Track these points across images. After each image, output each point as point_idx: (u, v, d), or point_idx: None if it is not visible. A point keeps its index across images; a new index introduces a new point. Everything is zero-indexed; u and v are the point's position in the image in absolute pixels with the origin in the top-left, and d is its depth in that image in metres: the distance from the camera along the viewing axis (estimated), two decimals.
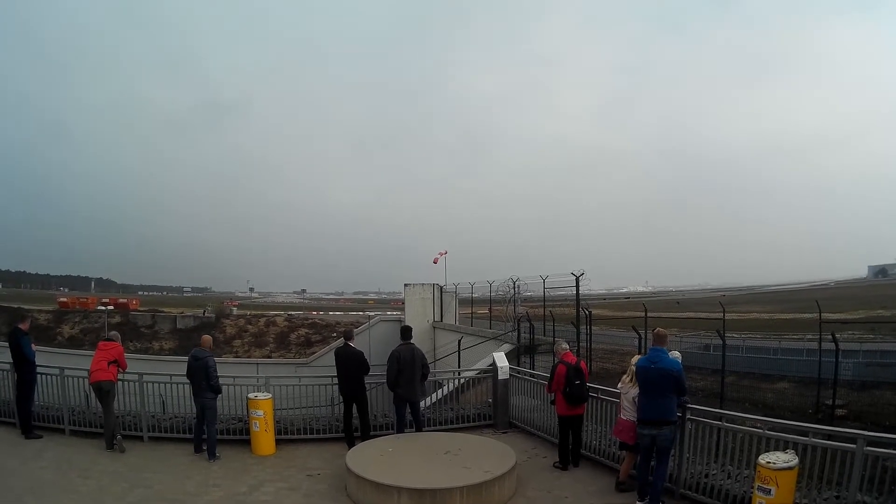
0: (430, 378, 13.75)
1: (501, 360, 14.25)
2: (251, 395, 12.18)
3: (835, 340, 20.88)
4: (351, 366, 12.40)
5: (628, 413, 9.55)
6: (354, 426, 12.57)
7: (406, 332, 12.87)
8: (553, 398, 11.24)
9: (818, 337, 24.36)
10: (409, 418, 12.57)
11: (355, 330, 28.65)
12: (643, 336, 22.62)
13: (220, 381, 12.09)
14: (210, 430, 11.61)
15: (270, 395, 12.29)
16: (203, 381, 11.63)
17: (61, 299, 75.51)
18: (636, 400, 9.28)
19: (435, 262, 46.12)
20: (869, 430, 8.11)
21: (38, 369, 13.00)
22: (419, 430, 12.53)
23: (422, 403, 13.31)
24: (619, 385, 10.05)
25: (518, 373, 14.37)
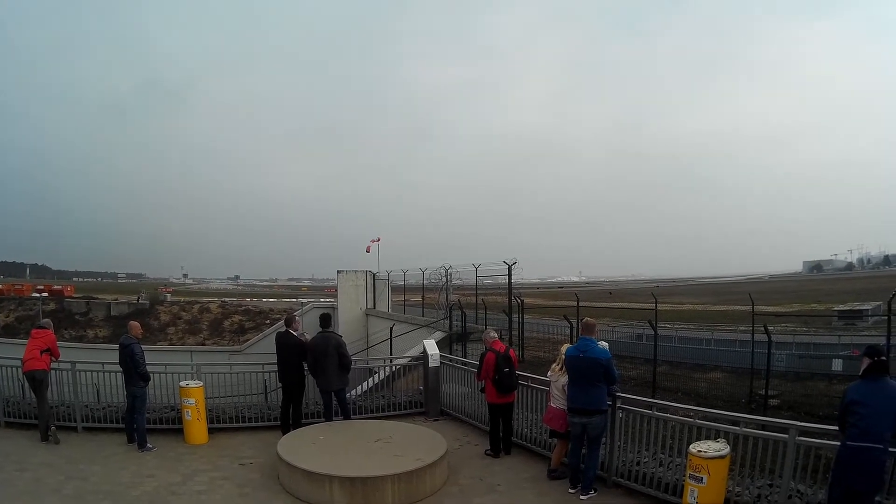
0: (364, 366, 13.44)
1: (432, 347, 14.16)
2: (183, 384, 11.88)
3: (767, 332, 21.17)
4: (290, 354, 12.10)
5: (558, 401, 9.50)
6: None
7: (323, 319, 12.50)
8: (483, 386, 11.17)
9: (751, 328, 24.72)
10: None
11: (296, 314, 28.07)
12: (574, 325, 22.64)
13: (152, 368, 11.81)
14: (139, 420, 11.27)
15: (202, 383, 12.03)
16: (131, 368, 11.24)
17: None
18: (566, 388, 9.24)
19: (367, 251, 45.88)
20: (802, 421, 8.24)
21: None
22: (347, 418, 12.29)
23: (355, 390, 13.03)
24: (549, 373, 10.00)
25: (449, 360, 14.24)
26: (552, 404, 9.68)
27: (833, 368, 26.69)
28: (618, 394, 9.23)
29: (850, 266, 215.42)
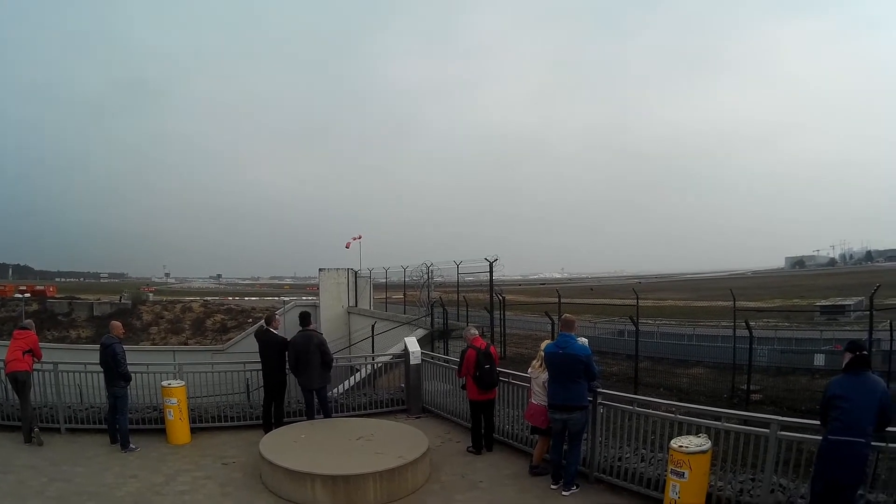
0: (345, 364, 13.31)
1: (413, 344, 14.10)
2: (165, 383, 11.83)
3: (748, 327, 21.29)
4: (271, 352, 12.01)
5: (539, 397, 9.45)
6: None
7: (303, 318, 12.39)
8: (464, 383, 11.10)
9: (733, 324, 24.82)
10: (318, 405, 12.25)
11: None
12: (555, 321, 22.63)
13: (135, 368, 11.79)
14: (121, 420, 11.16)
15: (184, 383, 11.98)
16: (112, 368, 11.15)
17: None
18: (546, 384, 9.17)
19: (347, 247, 45.81)
20: (786, 415, 8.25)
21: None
22: (327, 416, 12.19)
23: (336, 389, 12.94)
24: (530, 370, 9.95)
25: (431, 358, 14.20)
26: (533, 401, 9.62)
27: (815, 363, 26.91)
28: (599, 390, 9.20)
29: (832, 262, 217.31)
